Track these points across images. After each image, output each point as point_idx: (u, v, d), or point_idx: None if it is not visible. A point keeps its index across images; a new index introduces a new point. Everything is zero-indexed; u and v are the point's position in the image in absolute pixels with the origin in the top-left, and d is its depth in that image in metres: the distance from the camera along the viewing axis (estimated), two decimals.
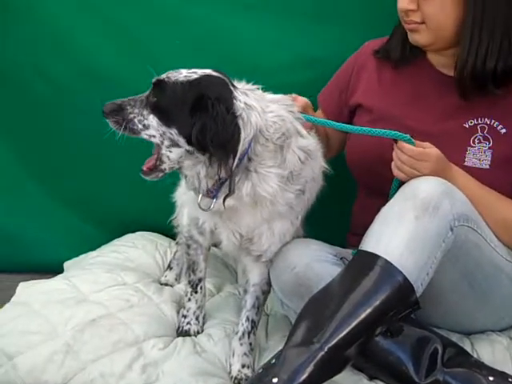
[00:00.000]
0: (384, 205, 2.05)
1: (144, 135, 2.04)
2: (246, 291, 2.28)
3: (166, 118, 2.01)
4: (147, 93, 2.07)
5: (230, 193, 2.02)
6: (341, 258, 2.22)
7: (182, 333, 2.32)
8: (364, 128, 2.15)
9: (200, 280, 2.36)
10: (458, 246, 2.03)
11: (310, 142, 2.15)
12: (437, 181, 2.02)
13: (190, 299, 2.36)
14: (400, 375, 2.04)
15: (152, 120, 2.02)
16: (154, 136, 2.02)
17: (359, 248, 2.00)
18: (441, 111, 2.30)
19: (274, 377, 1.82)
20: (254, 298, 2.25)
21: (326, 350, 1.83)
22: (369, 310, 1.87)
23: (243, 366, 2.19)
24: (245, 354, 2.21)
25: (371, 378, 2.13)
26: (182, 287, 2.55)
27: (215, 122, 1.95)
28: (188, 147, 2.00)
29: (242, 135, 1.98)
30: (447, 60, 2.29)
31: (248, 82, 2.13)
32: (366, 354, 2.00)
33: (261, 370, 1.90)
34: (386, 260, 1.91)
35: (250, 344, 2.23)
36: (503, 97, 2.23)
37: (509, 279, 2.19)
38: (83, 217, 3.03)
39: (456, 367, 2.03)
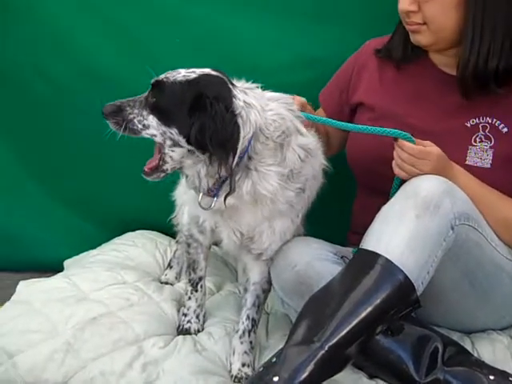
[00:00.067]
0: (384, 203, 2.05)
1: (145, 134, 2.04)
2: (246, 290, 2.28)
3: (165, 118, 2.02)
4: (146, 93, 2.07)
5: (231, 191, 2.02)
6: (341, 257, 2.22)
7: (182, 331, 2.32)
8: (364, 126, 2.16)
9: (200, 278, 2.36)
10: (459, 244, 2.03)
11: (310, 140, 2.15)
12: (438, 179, 2.02)
13: (190, 298, 2.36)
14: (400, 374, 2.04)
15: (152, 120, 2.03)
16: (155, 135, 2.03)
17: (360, 246, 2.01)
18: (443, 110, 2.30)
19: (274, 375, 1.82)
20: (254, 297, 2.25)
21: (326, 348, 1.83)
22: (369, 309, 1.87)
23: (243, 365, 2.19)
24: (245, 352, 2.20)
25: (371, 377, 2.13)
26: (182, 286, 2.55)
27: (214, 120, 1.95)
28: (189, 147, 2.00)
29: (242, 133, 1.98)
30: (449, 59, 2.29)
31: (248, 81, 2.13)
32: (367, 352, 2.00)
33: (261, 369, 1.90)
34: (386, 259, 1.91)
35: (251, 342, 2.23)
36: (505, 96, 2.23)
37: (509, 278, 2.19)
38: (83, 216, 3.04)
39: (456, 366, 2.03)
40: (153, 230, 2.96)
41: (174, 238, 2.74)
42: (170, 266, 2.69)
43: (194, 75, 2.03)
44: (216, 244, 2.41)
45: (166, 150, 2.03)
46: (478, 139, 2.26)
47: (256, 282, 2.25)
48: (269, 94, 2.13)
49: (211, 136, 1.95)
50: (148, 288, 2.47)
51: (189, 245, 2.35)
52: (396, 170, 2.11)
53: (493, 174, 2.22)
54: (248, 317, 2.24)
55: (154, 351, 2.17)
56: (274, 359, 1.88)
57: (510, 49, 2.17)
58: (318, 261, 2.13)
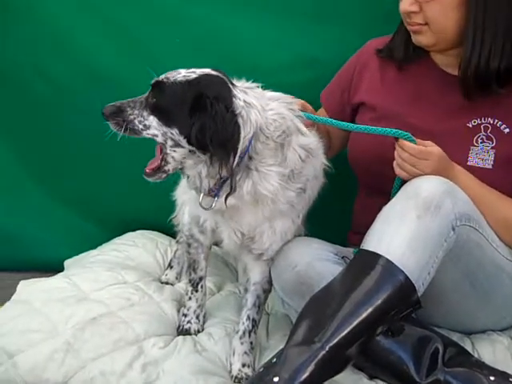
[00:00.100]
0: (385, 204, 2.05)
1: (146, 135, 2.04)
2: (246, 290, 2.27)
3: (166, 119, 2.02)
4: (146, 94, 2.07)
5: (232, 191, 2.01)
6: (342, 257, 2.22)
7: (182, 331, 2.32)
8: (365, 126, 2.15)
9: (201, 279, 2.36)
10: (460, 245, 2.02)
11: (311, 139, 2.15)
12: (439, 180, 2.02)
13: (190, 298, 2.35)
14: (401, 375, 2.03)
15: (152, 121, 2.02)
16: (156, 136, 2.02)
17: (361, 247, 2.00)
18: (444, 110, 2.30)
19: (274, 376, 1.82)
20: (254, 297, 2.25)
21: (327, 349, 1.83)
22: (370, 310, 1.87)
23: (244, 365, 2.18)
24: (245, 352, 2.20)
25: (371, 378, 2.13)
26: (182, 286, 2.55)
27: (214, 120, 1.95)
28: (189, 147, 2.00)
29: (242, 133, 1.98)
30: (451, 59, 2.29)
31: (248, 81, 2.13)
32: (367, 353, 2.00)
33: (262, 369, 1.89)
34: (387, 259, 1.91)
35: (251, 343, 2.23)
36: (507, 96, 2.23)
37: (510, 279, 2.19)
38: (83, 216, 3.04)
39: (457, 367, 2.03)
40: (153, 230, 2.96)
41: (175, 238, 2.74)
42: (170, 266, 2.69)
43: (194, 75, 2.03)
44: (216, 244, 2.41)
45: (168, 151, 2.03)
46: (479, 140, 2.25)
47: (256, 282, 2.25)
48: (269, 93, 2.13)
49: (212, 136, 1.95)
50: (148, 288, 2.47)
51: (189, 245, 2.34)
52: (397, 170, 2.11)
53: (494, 175, 2.22)
54: (248, 317, 2.24)
55: (154, 351, 2.17)
56: (275, 359, 1.88)
57: (511, 49, 2.17)
58: (319, 261, 2.13)
